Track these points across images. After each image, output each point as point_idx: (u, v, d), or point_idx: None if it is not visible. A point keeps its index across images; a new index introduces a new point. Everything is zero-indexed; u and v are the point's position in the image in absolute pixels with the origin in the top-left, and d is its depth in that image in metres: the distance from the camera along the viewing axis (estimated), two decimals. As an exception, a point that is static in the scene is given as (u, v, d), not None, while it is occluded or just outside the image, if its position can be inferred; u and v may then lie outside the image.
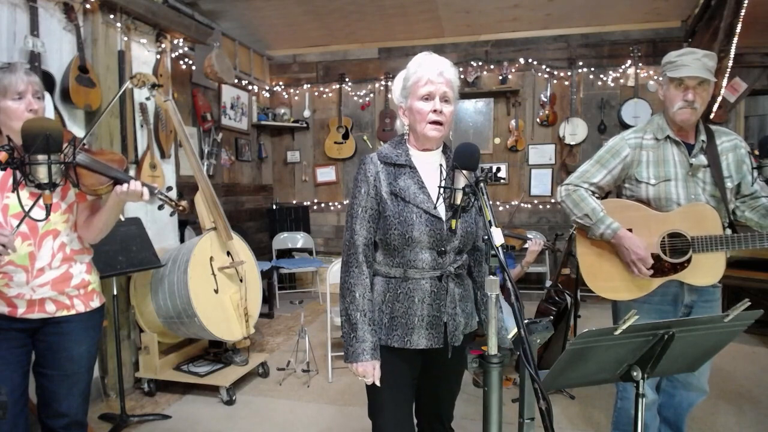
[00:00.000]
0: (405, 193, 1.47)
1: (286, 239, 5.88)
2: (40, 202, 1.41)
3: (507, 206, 5.63)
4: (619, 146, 1.97)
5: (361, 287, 1.47)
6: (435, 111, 1.45)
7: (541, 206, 5.60)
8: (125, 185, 1.65)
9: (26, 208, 1.45)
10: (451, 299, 1.49)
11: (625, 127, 5.22)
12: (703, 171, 1.89)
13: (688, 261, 1.86)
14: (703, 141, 1.90)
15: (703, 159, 1.89)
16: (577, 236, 2.06)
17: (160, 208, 1.91)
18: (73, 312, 1.72)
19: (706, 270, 1.86)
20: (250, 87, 5.74)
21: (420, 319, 1.47)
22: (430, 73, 1.46)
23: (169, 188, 1.92)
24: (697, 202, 1.87)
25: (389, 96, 5.80)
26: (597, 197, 2.00)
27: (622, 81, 5.28)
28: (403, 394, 1.50)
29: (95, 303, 1.80)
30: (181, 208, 1.97)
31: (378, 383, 1.47)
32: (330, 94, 6.02)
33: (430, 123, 1.47)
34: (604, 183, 1.99)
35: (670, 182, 1.89)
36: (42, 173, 1.36)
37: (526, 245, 3.05)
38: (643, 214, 1.92)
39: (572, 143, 5.39)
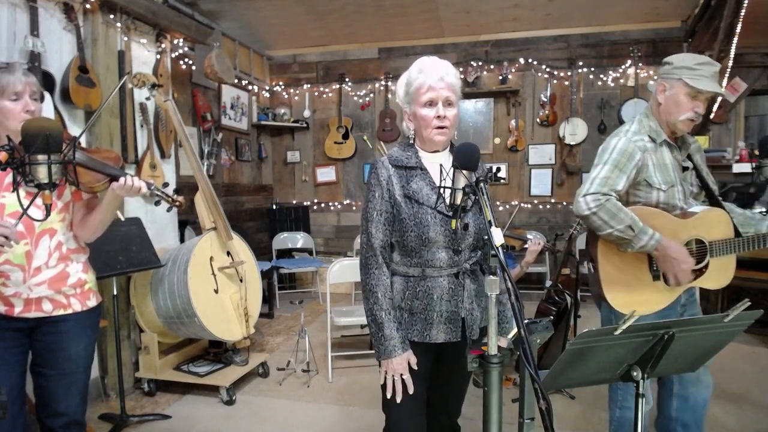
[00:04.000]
0: (418, 195, 1.51)
1: (286, 239, 5.88)
2: (38, 201, 1.41)
3: (507, 206, 5.64)
4: (631, 149, 1.83)
5: (382, 287, 1.51)
6: (439, 117, 1.48)
7: (541, 206, 5.60)
8: (122, 180, 1.66)
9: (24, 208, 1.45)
10: (468, 295, 1.53)
11: (625, 127, 5.23)
12: (690, 173, 1.91)
13: (706, 266, 1.86)
14: (688, 144, 1.91)
15: (688, 161, 1.91)
16: (599, 252, 1.87)
17: (157, 203, 1.94)
18: (69, 311, 1.72)
19: (720, 273, 1.86)
20: (250, 87, 5.74)
21: (439, 315, 1.51)
22: (431, 79, 1.48)
23: (166, 184, 1.93)
24: (711, 208, 1.87)
25: (389, 96, 5.80)
26: None
27: (622, 81, 5.28)
28: (416, 389, 1.52)
29: (92, 302, 1.80)
30: (177, 203, 1.99)
31: (415, 367, 1.49)
32: (330, 94, 6.02)
33: (435, 128, 1.50)
34: (624, 190, 1.83)
35: (674, 187, 1.87)
36: (42, 173, 1.37)
37: (526, 246, 3.05)
38: (668, 221, 1.83)
39: (572, 143, 5.39)
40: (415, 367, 1.50)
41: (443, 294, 1.51)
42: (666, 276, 1.83)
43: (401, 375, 1.49)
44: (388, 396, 1.50)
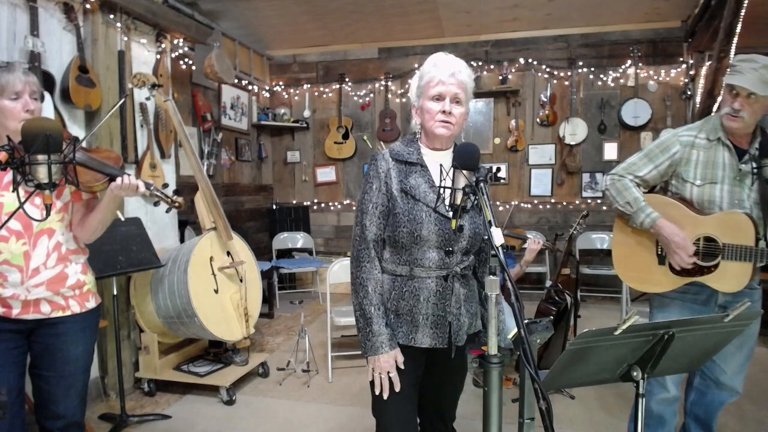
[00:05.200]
0: (415, 191, 1.48)
1: (286, 239, 5.88)
2: (38, 201, 1.41)
3: (507, 206, 5.64)
4: (670, 142, 1.95)
5: (373, 281, 1.49)
6: (444, 112, 1.46)
7: (541, 206, 5.60)
8: (119, 179, 1.65)
9: (23, 207, 1.45)
10: (456, 299, 1.50)
11: (625, 126, 5.25)
12: (752, 178, 1.88)
13: (716, 266, 1.86)
14: (756, 148, 1.88)
15: (749, 165, 1.87)
16: (615, 226, 2.10)
17: (156, 204, 1.94)
18: (68, 313, 1.71)
19: (731, 277, 1.85)
20: (250, 87, 5.74)
21: (425, 318, 1.48)
22: (442, 74, 1.46)
23: (165, 185, 1.93)
24: (735, 211, 1.85)
25: (389, 96, 5.80)
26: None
27: (622, 81, 5.28)
28: (407, 393, 1.51)
29: (91, 303, 1.79)
30: (177, 204, 1.98)
31: (402, 366, 1.47)
32: (330, 94, 6.02)
33: (438, 121, 1.48)
34: (650, 177, 1.99)
35: (716, 185, 1.88)
36: (42, 173, 1.36)
37: (526, 245, 3.05)
38: (681, 213, 1.92)
39: (572, 143, 5.39)
40: (402, 367, 1.47)
41: (430, 296, 1.48)
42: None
43: (388, 373, 1.46)
44: (377, 392, 1.49)
